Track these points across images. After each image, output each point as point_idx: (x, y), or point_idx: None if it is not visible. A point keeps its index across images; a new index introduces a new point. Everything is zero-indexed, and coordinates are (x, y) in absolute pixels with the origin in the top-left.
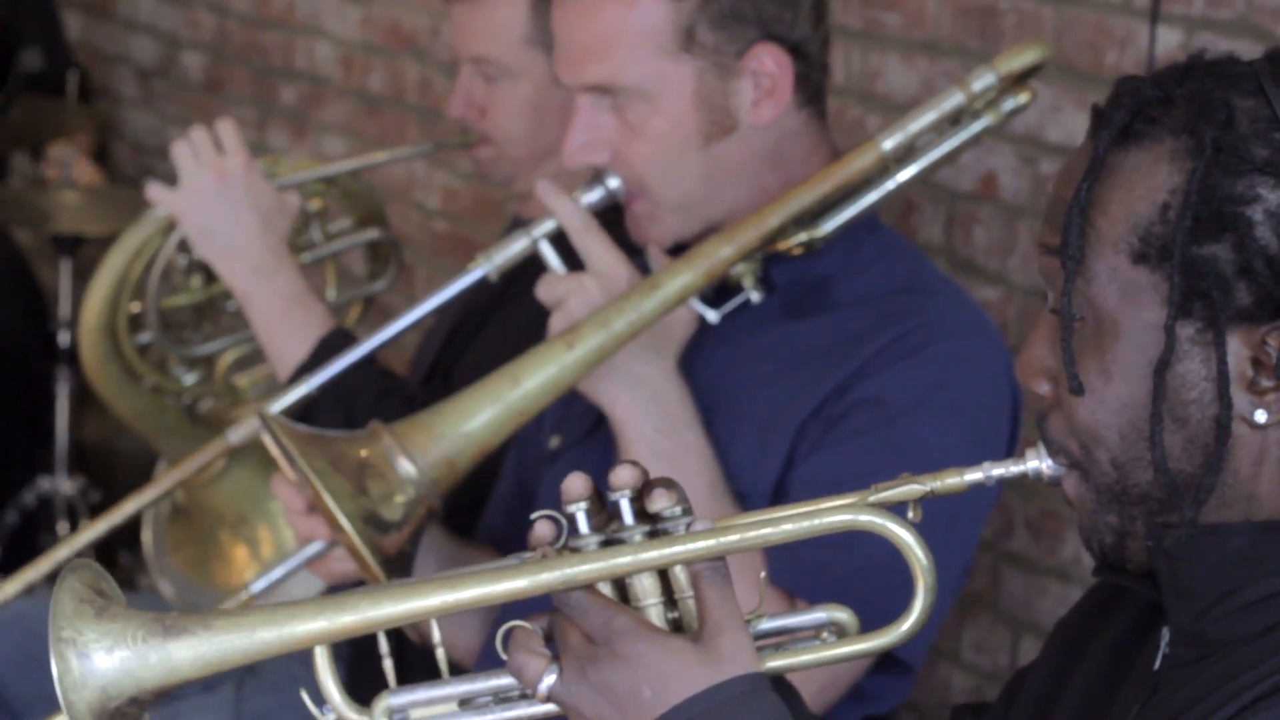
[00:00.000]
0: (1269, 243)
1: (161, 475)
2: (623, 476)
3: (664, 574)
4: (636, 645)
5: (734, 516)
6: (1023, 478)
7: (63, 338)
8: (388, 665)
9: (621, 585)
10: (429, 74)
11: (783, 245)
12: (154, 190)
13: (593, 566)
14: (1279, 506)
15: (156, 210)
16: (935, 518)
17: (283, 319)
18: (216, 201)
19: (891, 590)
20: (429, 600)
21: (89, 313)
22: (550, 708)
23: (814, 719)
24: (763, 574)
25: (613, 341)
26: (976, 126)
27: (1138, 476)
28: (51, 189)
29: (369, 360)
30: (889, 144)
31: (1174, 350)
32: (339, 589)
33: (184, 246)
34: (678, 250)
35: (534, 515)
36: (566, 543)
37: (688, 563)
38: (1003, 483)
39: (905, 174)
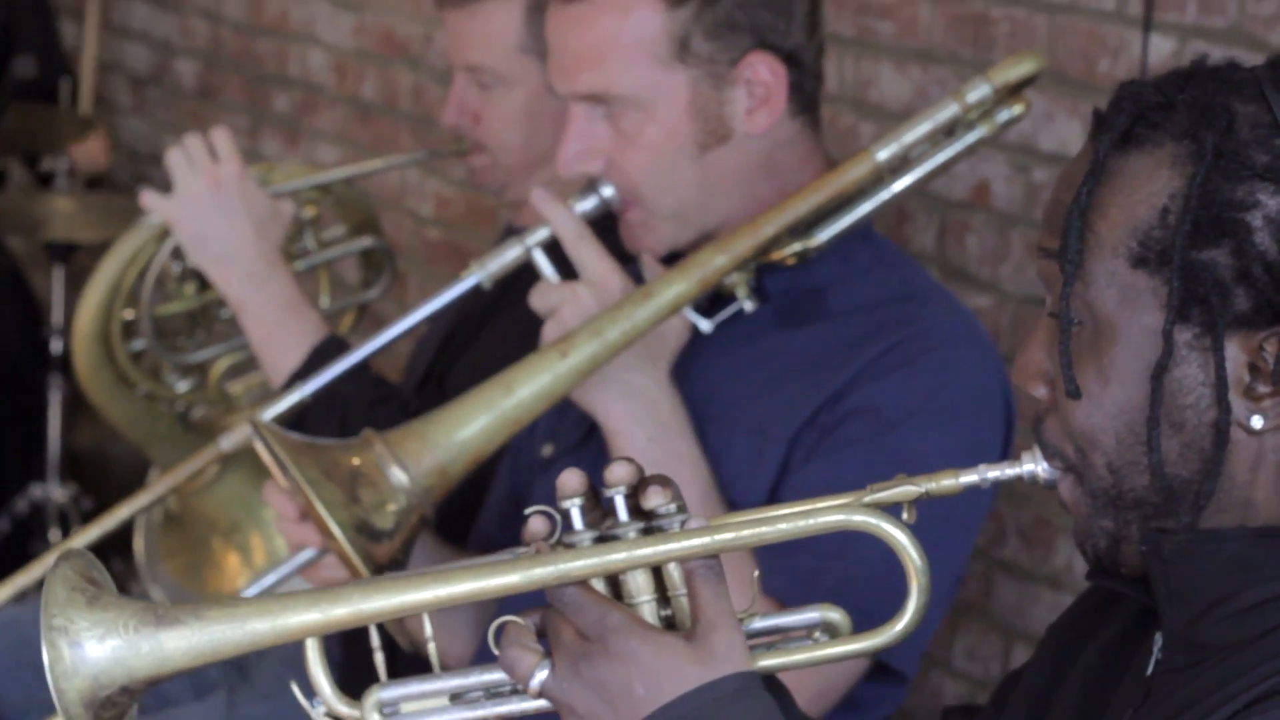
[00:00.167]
0: (1268, 248)
1: (154, 482)
2: (618, 473)
3: (658, 571)
4: (629, 642)
5: (728, 515)
6: (1018, 480)
7: (55, 345)
8: (379, 659)
9: (615, 582)
10: (422, 82)
11: (777, 255)
12: (148, 197)
13: (586, 563)
14: (1275, 512)
15: (150, 217)
16: (930, 523)
17: (277, 326)
18: (211, 209)
19: (884, 600)
20: (422, 593)
21: (82, 320)
22: (542, 703)
23: (805, 719)
24: (756, 573)
25: (606, 350)
26: (971, 137)
27: (1134, 481)
28: (45, 197)
29: (362, 367)
30: (884, 155)
31: (1172, 355)
32: None
33: (178, 254)
34: (671, 259)
35: (528, 511)
36: (560, 538)
37: (682, 560)
38: (998, 487)
39: (900, 184)
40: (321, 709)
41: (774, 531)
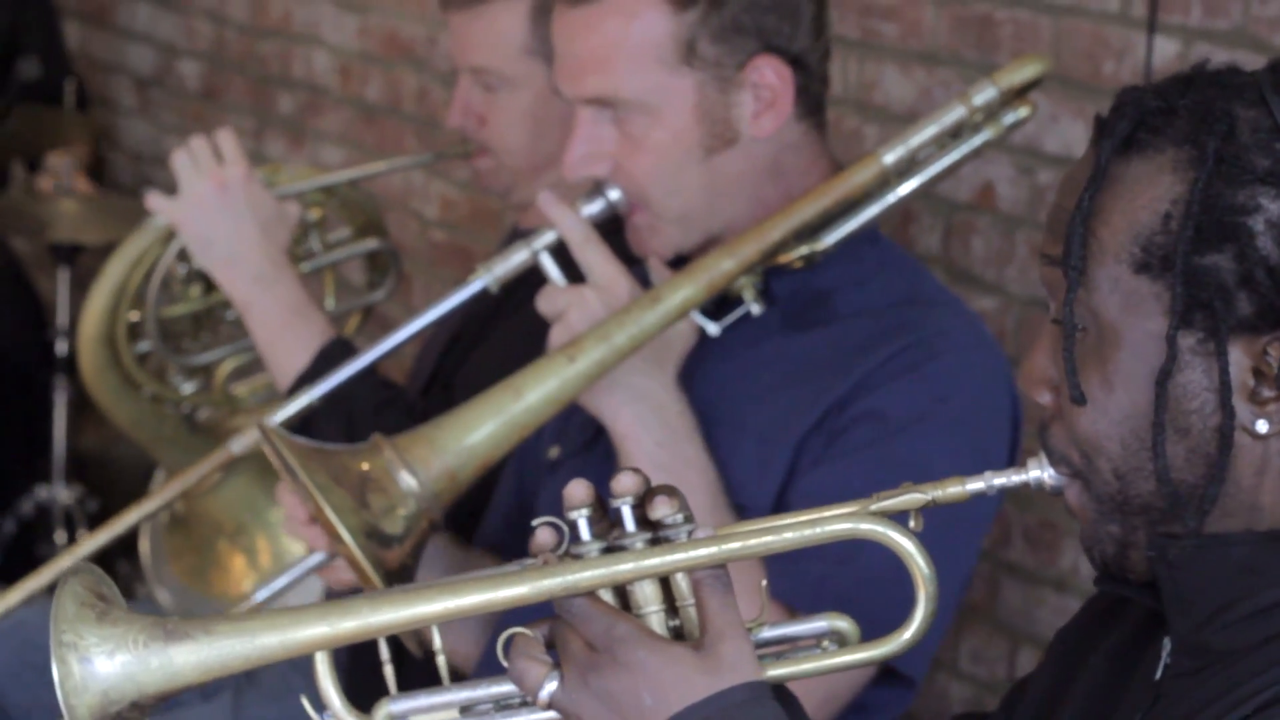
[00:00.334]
0: (1270, 253)
1: (162, 485)
2: (624, 484)
3: (665, 581)
4: (637, 652)
5: (736, 525)
6: (1024, 487)
7: (60, 346)
8: (388, 671)
9: (623, 592)
10: (427, 83)
11: (784, 258)
12: (153, 199)
13: (594, 573)
14: None
15: (156, 219)
16: (936, 529)
17: (283, 328)
18: (216, 211)
19: (892, 604)
20: (431, 606)
21: (88, 321)
22: (551, 715)
23: None
24: (764, 582)
25: (614, 355)
26: (977, 140)
27: (1140, 486)
28: (49, 198)
29: (369, 371)
30: (890, 158)
31: (1175, 360)
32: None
33: (183, 255)
34: (678, 262)
35: (536, 522)
36: (568, 549)
37: (689, 570)
38: (1004, 493)
39: (906, 187)
40: None
41: (781, 541)
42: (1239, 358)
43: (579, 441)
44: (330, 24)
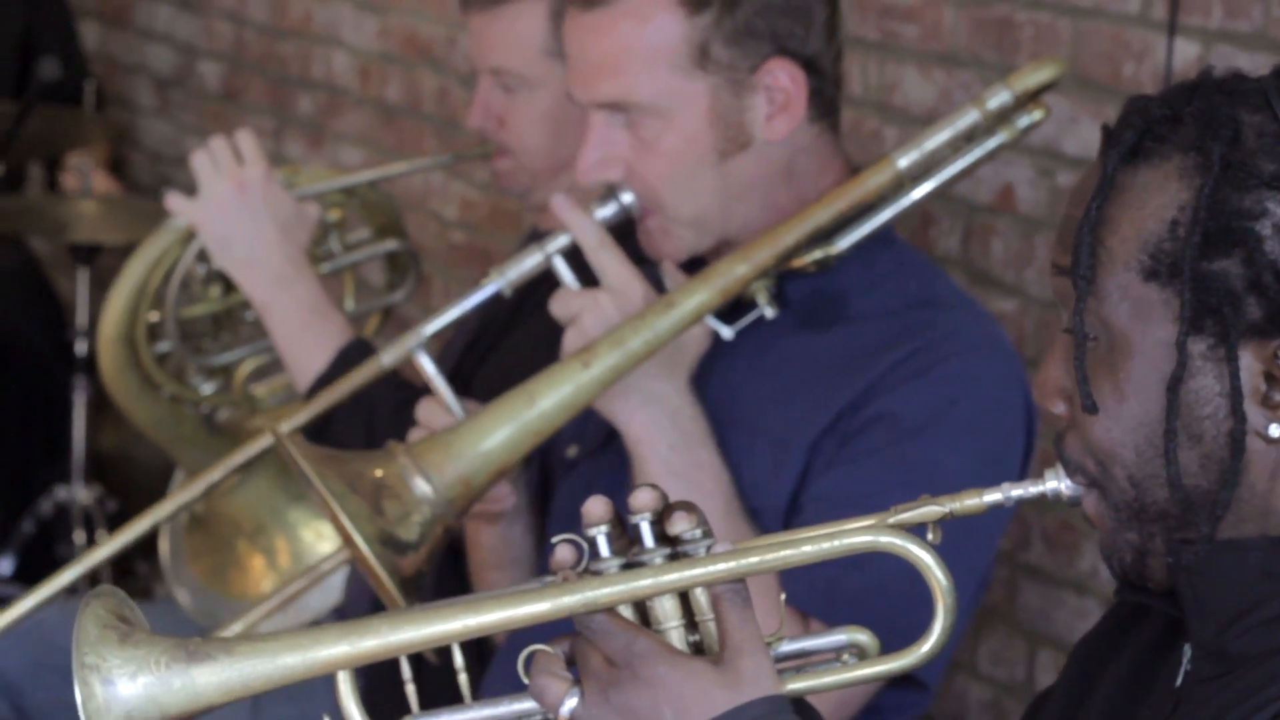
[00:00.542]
0: (1278, 257)
1: (181, 487)
2: (642, 499)
3: (684, 596)
4: (657, 668)
5: (754, 539)
6: (1041, 498)
7: (80, 346)
8: (410, 690)
9: (642, 608)
10: (446, 84)
11: (797, 262)
12: (173, 200)
13: (614, 589)
14: None
15: (175, 220)
16: (952, 535)
17: (302, 329)
18: (236, 211)
19: (906, 607)
20: (451, 624)
21: (108, 322)
22: None
23: None
24: (782, 596)
25: (628, 360)
26: (991, 143)
27: (1155, 493)
28: (69, 198)
29: (388, 373)
30: (904, 162)
31: (1186, 366)
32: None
33: (203, 256)
34: (691, 265)
35: (555, 539)
36: (587, 566)
37: (708, 585)
38: (1020, 502)
39: (920, 191)
40: None
41: (799, 554)
42: (1250, 362)
43: (597, 440)
44: (350, 25)
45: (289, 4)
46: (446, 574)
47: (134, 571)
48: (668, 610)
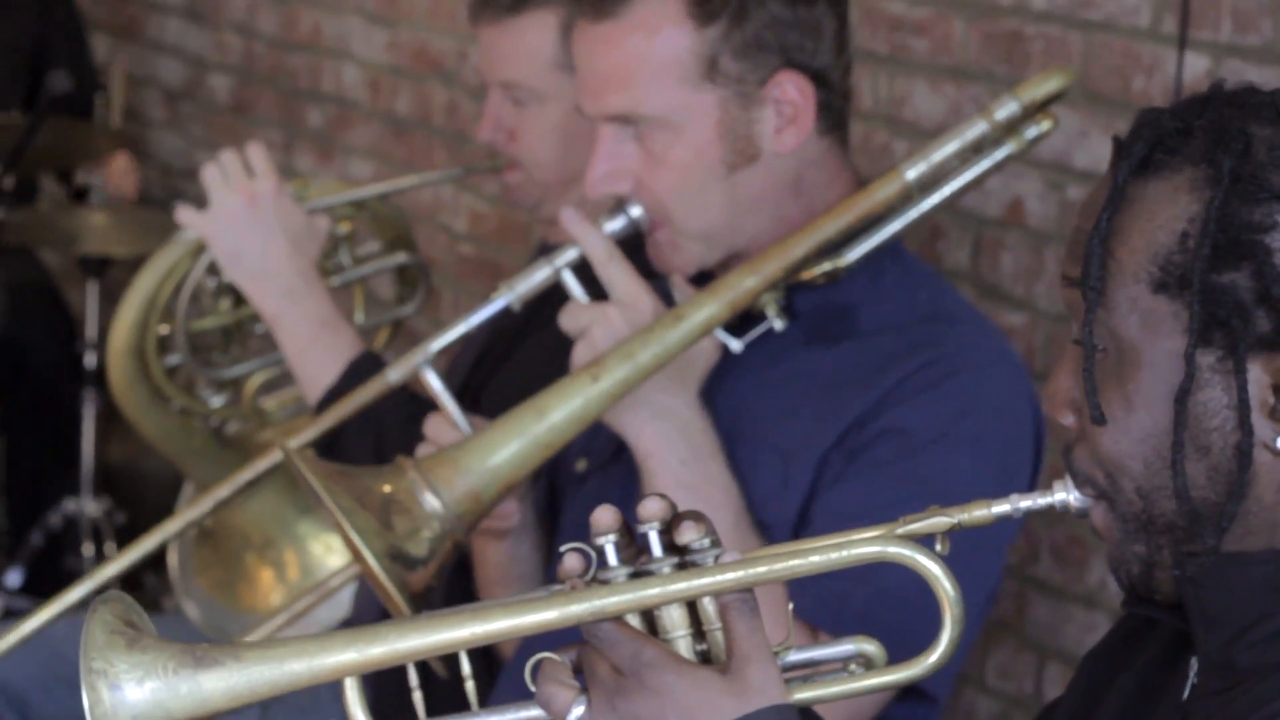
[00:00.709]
0: None
1: (190, 501)
2: (651, 509)
3: (692, 606)
4: (664, 676)
5: (762, 549)
6: (1050, 510)
7: (89, 359)
8: (417, 698)
9: (650, 617)
10: (456, 97)
11: (806, 275)
12: (183, 213)
13: (621, 598)
14: None
15: (186, 233)
16: (960, 548)
17: (312, 342)
18: (246, 225)
19: (913, 619)
20: (458, 632)
21: (118, 335)
22: None
23: None
24: (790, 606)
25: (638, 374)
26: (999, 154)
27: (1163, 505)
28: (79, 211)
29: (397, 387)
30: (913, 173)
31: (1194, 379)
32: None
33: (213, 269)
34: (700, 278)
35: (563, 548)
36: (595, 575)
37: (716, 594)
38: (1029, 514)
39: (928, 202)
40: None
41: (807, 564)
42: (1258, 375)
43: (606, 454)
44: (360, 38)
45: (299, 17)
46: (455, 590)
47: (142, 584)
48: (675, 619)
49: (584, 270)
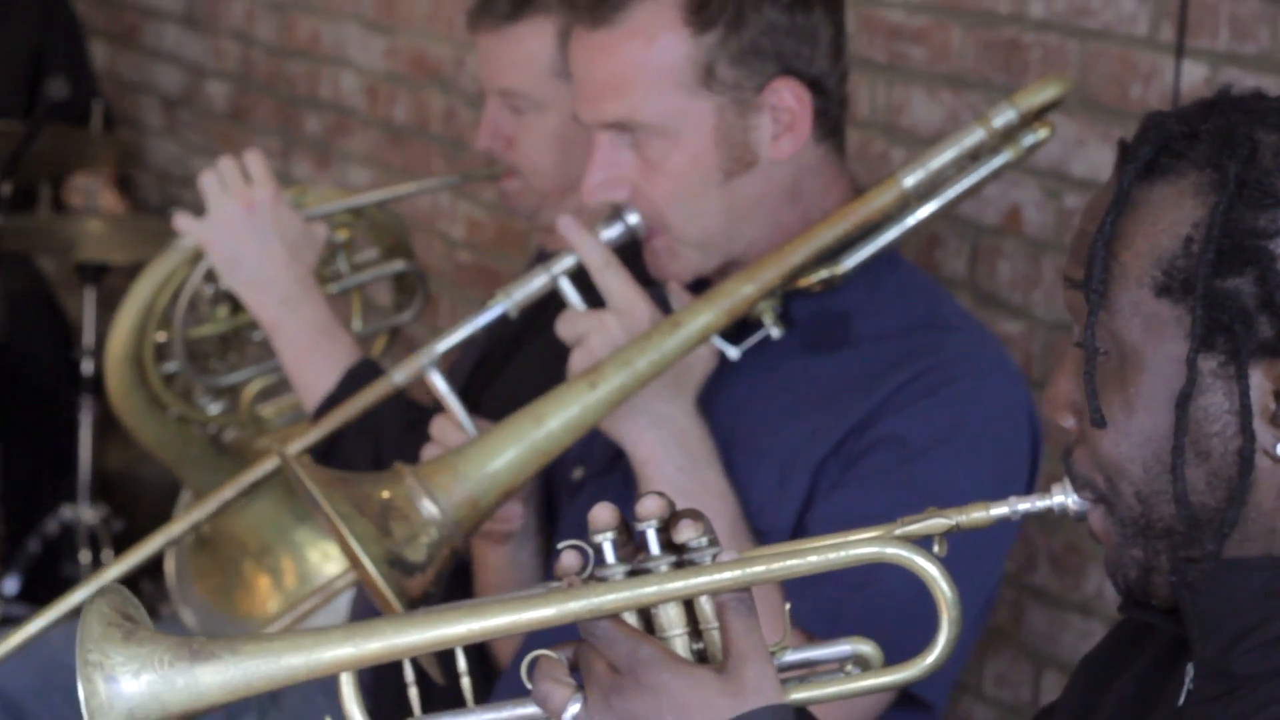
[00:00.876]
0: None
1: (187, 508)
2: (649, 507)
3: (689, 604)
4: (661, 675)
5: (760, 548)
6: (1048, 512)
7: (87, 366)
8: (413, 694)
9: (647, 615)
10: (454, 104)
11: (804, 282)
12: (181, 220)
13: (618, 596)
14: None
15: (183, 240)
16: (959, 553)
17: (310, 349)
18: (244, 232)
19: (911, 627)
20: (455, 628)
21: (115, 342)
22: None
23: None
24: (787, 606)
25: (635, 381)
26: (996, 162)
27: (1162, 510)
28: (76, 218)
29: (396, 393)
30: (910, 181)
31: (1196, 383)
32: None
33: (211, 276)
34: (698, 285)
35: (561, 545)
36: (593, 573)
37: (713, 593)
38: (1027, 518)
39: (925, 210)
40: None
41: (805, 564)
42: (1260, 381)
43: (602, 462)
44: (357, 45)
45: (297, 24)
46: (453, 596)
47: (140, 591)
48: (672, 618)
49: (581, 277)
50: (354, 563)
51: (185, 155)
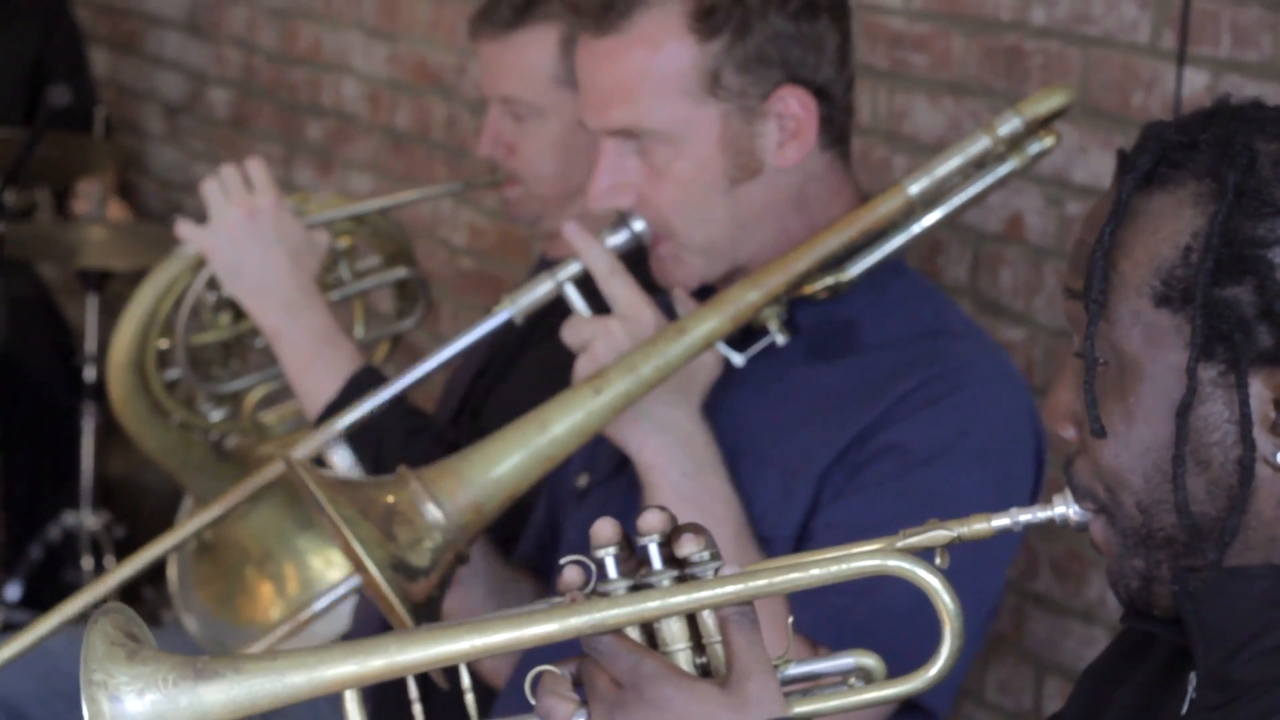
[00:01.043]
0: None
1: (190, 515)
2: (651, 521)
3: (692, 619)
4: (664, 689)
5: (762, 562)
6: (1049, 523)
7: (89, 373)
8: (417, 710)
9: (650, 630)
10: (456, 111)
11: (808, 289)
12: (183, 227)
13: (621, 611)
14: None
15: (186, 247)
16: (961, 562)
17: (312, 357)
18: (246, 239)
19: (914, 635)
20: (458, 644)
21: (118, 349)
22: None
23: None
24: (790, 619)
25: (640, 387)
26: (1002, 170)
27: (1163, 519)
28: (79, 225)
29: (398, 399)
30: (915, 189)
31: (1196, 393)
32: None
33: (213, 283)
34: (703, 292)
35: (563, 560)
36: (595, 587)
37: (716, 607)
38: (1029, 528)
39: (930, 218)
40: None
41: (807, 577)
42: (1260, 390)
43: (607, 469)
44: (359, 52)
45: (298, 31)
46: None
47: (141, 597)
48: (675, 632)
49: (586, 284)
50: (358, 567)
51: (187, 162)
